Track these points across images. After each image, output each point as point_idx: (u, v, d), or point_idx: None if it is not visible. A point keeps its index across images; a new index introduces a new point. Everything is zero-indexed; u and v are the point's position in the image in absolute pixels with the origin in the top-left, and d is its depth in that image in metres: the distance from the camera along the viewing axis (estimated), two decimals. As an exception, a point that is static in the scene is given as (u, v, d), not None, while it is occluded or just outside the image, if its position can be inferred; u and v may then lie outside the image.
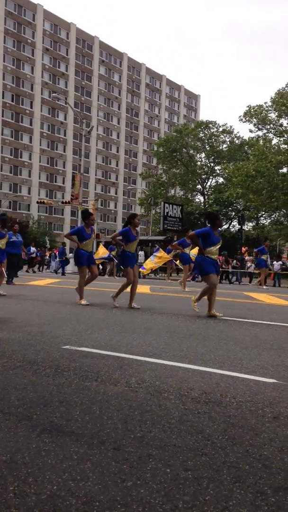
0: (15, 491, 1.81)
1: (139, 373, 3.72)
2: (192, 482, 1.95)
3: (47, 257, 32.80)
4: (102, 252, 20.52)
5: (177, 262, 18.09)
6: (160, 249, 19.01)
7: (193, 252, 21.01)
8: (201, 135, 50.01)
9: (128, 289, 8.97)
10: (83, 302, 9.04)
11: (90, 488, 1.86)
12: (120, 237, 9.03)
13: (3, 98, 65.88)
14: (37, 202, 43.80)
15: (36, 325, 6.05)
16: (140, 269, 16.47)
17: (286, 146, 38.94)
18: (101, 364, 3.99)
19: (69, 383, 3.37)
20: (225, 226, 49.09)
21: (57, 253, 28.25)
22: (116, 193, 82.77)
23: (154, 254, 18.76)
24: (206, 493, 1.86)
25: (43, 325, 6.11)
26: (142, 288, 15.14)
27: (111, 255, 21.36)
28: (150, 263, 18.26)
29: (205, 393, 3.22)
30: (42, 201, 42.29)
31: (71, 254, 28.79)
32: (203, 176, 51.76)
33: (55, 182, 73.40)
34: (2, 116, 65.84)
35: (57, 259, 27.76)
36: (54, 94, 39.13)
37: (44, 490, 1.82)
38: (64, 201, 42.90)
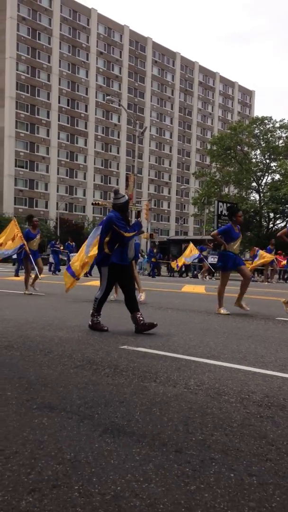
0: (79, 490, 1.83)
1: (198, 374, 3.69)
2: (257, 488, 1.90)
3: None
4: (190, 252, 20.52)
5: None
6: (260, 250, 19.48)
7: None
8: (256, 131, 48.93)
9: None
10: (223, 311, 8.03)
11: (154, 490, 1.85)
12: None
13: (59, 103, 67.62)
14: (92, 204, 44.60)
15: (94, 325, 6.13)
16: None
17: None
18: (159, 365, 3.99)
19: (128, 383, 3.39)
20: (282, 224, 47.82)
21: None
22: (169, 193, 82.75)
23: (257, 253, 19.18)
24: (272, 499, 1.81)
25: (100, 325, 6.18)
26: (198, 288, 15.04)
27: (202, 255, 21.31)
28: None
29: (267, 397, 3.14)
30: (97, 202, 43.04)
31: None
32: (258, 174, 50.63)
33: (109, 183, 74.43)
34: (59, 121, 67.58)
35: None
36: (108, 97, 39.75)
37: (108, 491, 1.84)
38: (118, 202, 43.32)
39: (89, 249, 8.25)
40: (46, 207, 66.36)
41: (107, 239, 5.84)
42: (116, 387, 3.28)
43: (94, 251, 7.89)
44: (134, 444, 2.28)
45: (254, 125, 49.25)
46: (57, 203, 65.54)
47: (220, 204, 36.02)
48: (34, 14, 64.22)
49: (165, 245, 38.36)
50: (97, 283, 16.46)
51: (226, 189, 59.38)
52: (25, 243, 10.79)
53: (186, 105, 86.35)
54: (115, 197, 6.04)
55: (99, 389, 3.21)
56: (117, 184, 74.38)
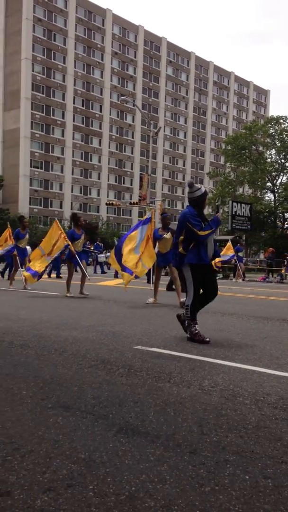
0: (94, 490, 1.84)
1: (212, 375, 3.68)
2: (273, 490, 1.88)
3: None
4: (226, 251, 20.22)
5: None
6: None
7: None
8: (271, 131, 48.58)
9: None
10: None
11: (168, 491, 1.85)
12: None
13: (74, 103, 67.93)
14: (106, 204, 44.75)
15: (108, 325, 6.16)
16: None
17: None
18: (173, 365, 3.99)
19: (142, 383, 3.39)
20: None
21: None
22: (183, 193, 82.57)
23: None
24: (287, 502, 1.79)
25: (114, 325, 6.21)
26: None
27: (236, 257, 21.00)
28: None
29: (282, 399, 3.11)
30: (111, 202, 43.22)
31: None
32: (273, 173, 50.27)
33: (123, 183, 74.57)
34: (73, 121, 67.89)
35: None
36: (122, 97, 39.78)
37: (123, 491, 1.84)
38: (132, 202, 43.47)
39: (138, 249, 8.52)
40: (61, 207, 66.72)
41: (181, 237, 5.28)
42: (130, 387, 3.28)
43: (149, 247, 8.33)
44: (148, 445, 2.29)
45: (269, 125, 48.90)
46: (71, 203, 65.86)
47: (235, 204, 35.89)
48: (49, 15, 64.61)
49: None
50: (110, 283, 16.53)
51: (241, 189, 59.07)
52: (70, 243, 10.58)
53: (201, 104, 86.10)
54: (190, 190, 5.39)
55: (113, 389, 3.22)
56: (131, 184, 74.48)
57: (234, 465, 2.10)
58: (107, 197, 69.41)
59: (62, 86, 66.68)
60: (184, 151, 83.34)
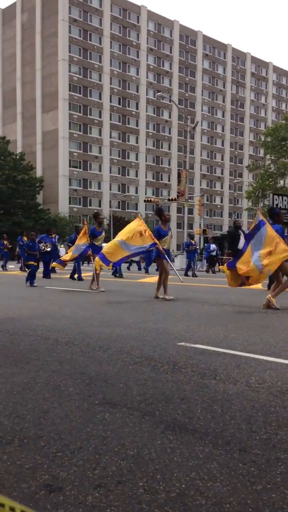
0: (144, 487, 1.84)
1: (259, 372, 3.61)
2: None
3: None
4: None
5: None
6: None
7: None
8: (313, 120, 47.34)
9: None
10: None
11: (219, 489, 1.83)
12: None
13: (110, 102, 68.34)
14: (145, 201, 44.75)
15: (151, 322, 6.16)
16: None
17: None
18: (218, 362, 3.94)
19: (188, 380, 3.37)
20: None
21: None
22: (222, 188, 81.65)
23: None
24: None
25: (157, 321, 6.21)
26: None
27: None
28: None
29: None
30: (149, 199, 43.22)
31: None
32: (316, 165, 48.97)
33: (161, 180, 74.44)
34: (110, 120, 68.32)
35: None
36: (159, 93, 39.68)
37: (173, 488, 1.83)
38: (170, 198, 43.33)
39: (258, 256, 7.91)
40: (100, 205, 67.34)
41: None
42: (175, 384, 3.27)
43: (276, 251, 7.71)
44: (196, 442, 2.27)
45: (310, 114, 47.58)
46: (110, 201, 66.34)
47: (276, 197, 35.14)
48: (85, 15, 65.16)
49: (219, 240, 37.73)
50: (150, 279, 16.56)
51: (282, 182, 57.80)
52: (157, 242, 9.43)
53: (238, 97, 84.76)
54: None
55: (159, 386, 3.21)
56: (169, 180, 74.26)
57: (286, 463, 2.05)
58: (145, 194, 69.50)
59: (98, 85, 67.19)
60: (222, 145, 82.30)
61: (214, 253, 23.88)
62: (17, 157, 58.68)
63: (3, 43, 72.70)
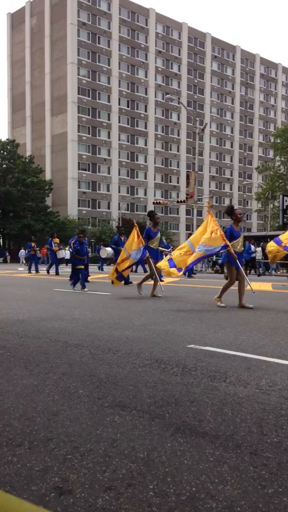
0: (155, 490, 1.83)
1: (269, 375, 3.58)
2: None
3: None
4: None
5: None
6: None
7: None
8: None
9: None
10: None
11: (230, 492, 1.81)
12: None
13: (119, 104, 68.51)
14: (154, 203, 44.76)
15: (160, 324, 6.15)
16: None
17: None
18: (228, 364, 3.92)
19: (198, 383, 3.36)
20: None
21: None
22: (231, 189, 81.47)
23: None
24: None
25: (166, 324, 6.19)
26: (264, 285, 14.68)
27: None
28: None
29: None
30: (158, 201, 43.28)
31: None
32: None
33: (170, 182, 74.44)
34: (119, 122, 68.47)
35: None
36: (167, 96, 39.66)
37: (183, 491, 1.82)
38: (179, 200, 43.32)
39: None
40: (109, 208, 67.49)
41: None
42: (185, 386, 3.26)
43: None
44: (207, 445, 2.25)
45: None
46: (119, 203, 66.43)
47: (286, 198, 34.98)
48: (93, 18, 65.43)
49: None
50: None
51: (291, 183, 57.44)
52: (229, 244, 8.42)
53: (247, 98, 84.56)
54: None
55: (168, 388, 3.20)
56: (178, 182, 74.21)
57: (298, 467, 2.03)
58: (154, 196, 69.53)
59: (107, 88, 67.41)
60: (231, 147, 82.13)
61: (254, 255, 22.86)
62: (27, 160, 59.00)
63: (12, 47, 73.29)
